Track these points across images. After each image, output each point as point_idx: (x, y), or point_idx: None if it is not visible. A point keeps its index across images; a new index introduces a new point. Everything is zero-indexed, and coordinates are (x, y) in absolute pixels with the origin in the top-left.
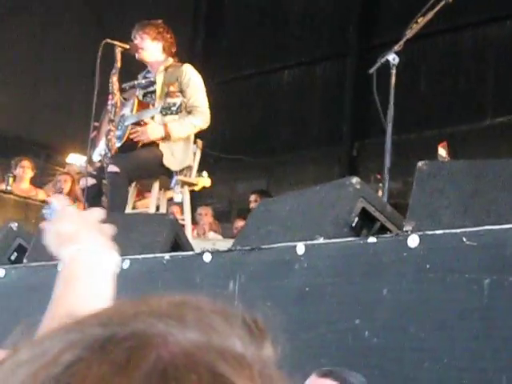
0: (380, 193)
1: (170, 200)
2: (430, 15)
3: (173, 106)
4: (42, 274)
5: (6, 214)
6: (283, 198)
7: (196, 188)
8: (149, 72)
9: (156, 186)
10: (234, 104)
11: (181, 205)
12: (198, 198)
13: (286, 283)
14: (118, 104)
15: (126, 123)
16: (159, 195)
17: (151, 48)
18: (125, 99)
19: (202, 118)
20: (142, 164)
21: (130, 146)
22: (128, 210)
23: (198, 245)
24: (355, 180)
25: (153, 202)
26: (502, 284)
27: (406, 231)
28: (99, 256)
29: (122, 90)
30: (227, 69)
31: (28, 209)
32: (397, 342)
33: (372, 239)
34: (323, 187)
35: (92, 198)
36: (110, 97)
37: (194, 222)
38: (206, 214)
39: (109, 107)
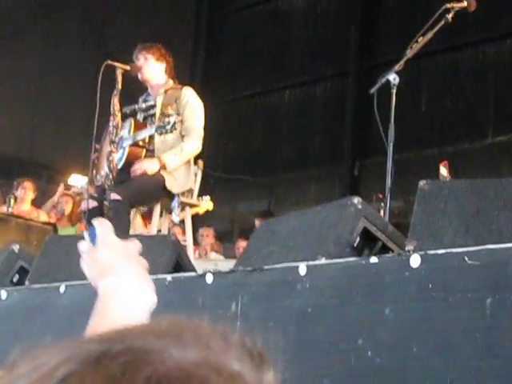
0: (382, 212)
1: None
2: (430, 35)
3: (167, 125)
4: (43, 295)
5: (8, 236)
6: (285, 219)
7: (200, 211)
8: (149, 95)
9: (157, 208)
10: (234, 124)
11: (182, 226)
12: (199, 219)
13: (289, 304)
14: (119, 125)
15: (123, 145)
16: (160, 217)
17: (154, 68)
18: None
19: (194, 143)
20: (143, 190)
21: (130, 166)
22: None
23: (199, 265)
24: (357, 200)
25: (154, 223)
26: (505, 303)
27: (408, 251)
28: (136, 291)
29: (122, 113)
30: (228, 89)
31: (29, 231)
32: (400, 361)
33: (374, 259)
34: (325, 207)
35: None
36: (112, 118)
37: (196, 242)
38: (207, 235)
39: (110, 128)
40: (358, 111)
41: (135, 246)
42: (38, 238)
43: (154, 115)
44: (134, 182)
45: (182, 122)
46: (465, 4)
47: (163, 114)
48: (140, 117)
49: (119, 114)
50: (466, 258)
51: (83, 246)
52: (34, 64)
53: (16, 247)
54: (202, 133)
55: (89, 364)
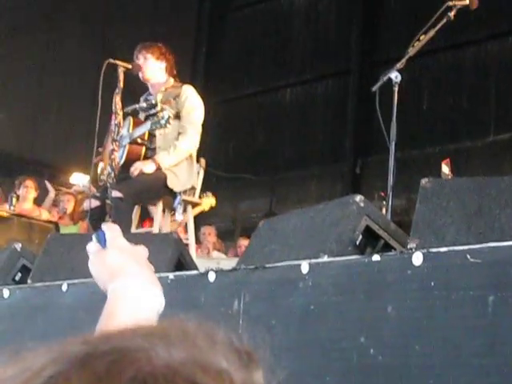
0: (384, 210)
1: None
2: (431, 33)
3: (161, 120)
4: (46, 294)
5: (10, 235)
6: (287, 217)
7: (206, 208)
8: (150, 94)
9: (160, 206)
10: (236, 123)
11: (184, 224)
12: (201, 218)
13: (291, 302)
14: (121, 124)
15: (123, 143)
16: (163, 215)
17: (155, 67)
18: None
19: (189, 141)
20: (145, 188)
21: (131, 164)
22: (132, 229)
23: (202, 264)
24: (359, 198)
25: (156, 221)
26: (507, 301)
27: (410, 249)
28: (144, 294)
29: (124, 113)
30: (229, 88)
31: (31, 229)
32: (402, 359)
33: (376, 257)
34: (327, 205)
35: (96, 219)
36: (113, 116)
37: (198, 241)
38: (209, 234)
39: (112, 127)
40: (360, 109)
41: (144, 250)
42: (40, 236)
43: (155, 114)
44: (136, 179)
45: (179, 118)
46: (467, 2)
47: (160, 110)
48: (141, 116)
49: (121, 113)
50: (468, 256)
51: (91, 247)
52: (34, 63)
53: (18, 246)
54: (199, 130)
55: (74, 364)
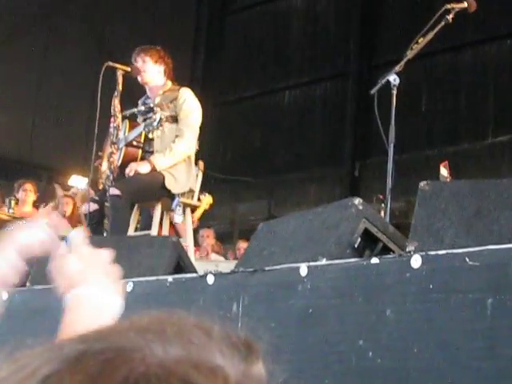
0: (382, 213)
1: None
2: (430, 35)
3: (154, 122)
4: (45, 297)
5: None
6: (285, 220)
7: (207, 207)
8: (148, 98)
9: (158, 207)
10: (235, 125)
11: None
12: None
13: (290, 304)
14: (120, 126)
15: (120, 146)
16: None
17: (153, 71)
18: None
19: (185, 143)
20: (143, 187)
21: (127, 166)
22: (130, 232)
23: (200, 266)
24: (357, 201)
25: (155, 223)
26: (505, 304)
27: (409, 252)
28: (102, 300)
29: (123, 116)
30: (228, 90)
31: None
32: (400, 362)
33: (375, 260)
34: (325, 208)
35: (94, 223)
36: (112, 119)
37: (197, 244)
38: (208, 236)
39: (111, 130)
40: (359, 112)
41: (108, 254)
42: None
43: (151, 117)
44: (133, 178)
45: (177, 121)
46: (465, 5)
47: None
48: (140, 120)
49: (120, 116)
50: (467, 259)
51: (61, 249)
52: (34, 65)
53: None
54: (196, 133)
55: (68, 363)
